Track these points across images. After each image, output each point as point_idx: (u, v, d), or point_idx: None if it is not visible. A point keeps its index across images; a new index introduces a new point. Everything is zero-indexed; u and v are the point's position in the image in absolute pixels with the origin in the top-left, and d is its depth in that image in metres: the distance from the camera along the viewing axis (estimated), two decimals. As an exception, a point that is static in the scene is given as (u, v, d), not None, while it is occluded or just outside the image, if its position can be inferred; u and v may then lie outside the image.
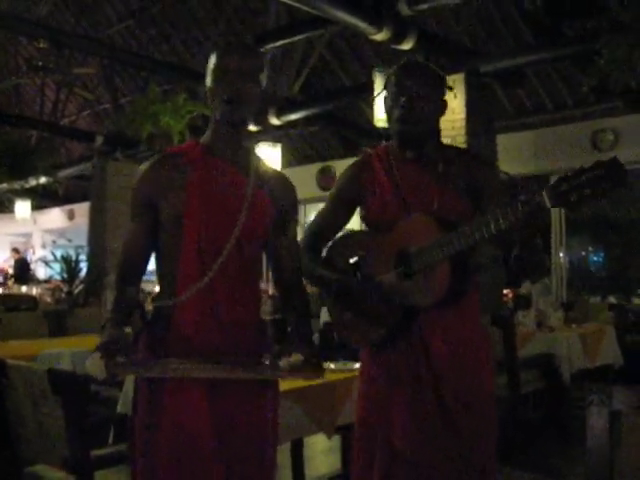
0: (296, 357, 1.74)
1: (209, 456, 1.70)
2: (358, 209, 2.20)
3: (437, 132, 2.10)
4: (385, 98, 2.09)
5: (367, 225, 2.18)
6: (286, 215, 1.92)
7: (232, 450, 1.74)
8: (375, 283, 1.98)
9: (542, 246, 1.95)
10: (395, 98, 2.03)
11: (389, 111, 2.07)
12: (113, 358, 1.59)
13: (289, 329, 1.91)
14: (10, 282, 12.37)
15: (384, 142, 2.22)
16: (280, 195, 1.90)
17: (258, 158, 1.91)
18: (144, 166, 1.84)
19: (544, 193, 1.63)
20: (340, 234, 2.22)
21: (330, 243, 2.20)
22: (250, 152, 1.90)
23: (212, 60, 1.81)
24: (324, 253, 2.19)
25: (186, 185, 1.76)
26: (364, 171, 2.14)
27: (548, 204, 1.63)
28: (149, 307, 1.86)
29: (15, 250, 14.55)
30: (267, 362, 1.79)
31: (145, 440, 1.73)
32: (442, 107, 2.08)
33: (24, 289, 10.93)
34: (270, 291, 6.64)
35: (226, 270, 1.76)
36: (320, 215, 2.20)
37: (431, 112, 2.04)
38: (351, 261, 2.09)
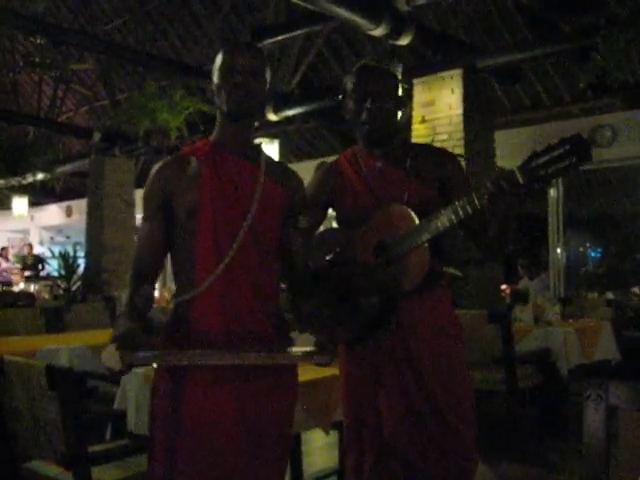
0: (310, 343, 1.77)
1: (234, 446, 1.73)
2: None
3: (401, 129, 2.23)
4: (345, 102, 2.19)
5: (341, 224, 2.27)
6: (297, 207, 1.95)
7: (256, 439, 1.77)
8: (358, 266, 2.06)
9: (514, 227, 2.07)
10: (359, 101, 2.13)
11: (353, 114, 2.17)
12: (128, 349, 1.62)
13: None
14: (18, 277, 12.32)
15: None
16: (291, 187, 1.95)
17: (266, 153, 1.98)
18: (156, 166, 1.90)
19: (516, 170, 1.79)
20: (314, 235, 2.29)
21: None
22: (258, 146, 1.97)
23: (219, 58, 1.88)
24: None
25: (198, 179, 1.82)
26: (334, 175, 2.26)
27: (521, 180, 1.79)
28: (170, 305, 1.89)
29: (29, 245, 14.53)
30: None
31: (166, 431, 1.76)
32: (401, 105, 2.20)
33: (22, 286, 10.92)
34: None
35: (244, 258, 1.80)
36: None
37: (394, 111, 2.17)
38: (327, 258, 2.15)
